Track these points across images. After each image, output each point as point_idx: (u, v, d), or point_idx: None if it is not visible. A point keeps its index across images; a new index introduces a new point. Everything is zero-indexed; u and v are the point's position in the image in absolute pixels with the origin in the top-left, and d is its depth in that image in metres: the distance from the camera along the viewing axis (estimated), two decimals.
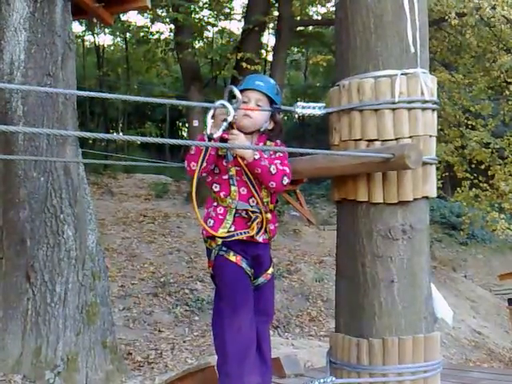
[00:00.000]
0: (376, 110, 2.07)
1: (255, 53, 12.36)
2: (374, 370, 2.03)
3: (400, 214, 2.08)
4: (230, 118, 2.02)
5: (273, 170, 2.17)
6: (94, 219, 4.87)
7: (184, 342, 6.34)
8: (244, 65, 11.64)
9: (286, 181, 2.21)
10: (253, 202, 2.22)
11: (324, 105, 2.25)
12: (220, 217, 2.20)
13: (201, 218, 2.21)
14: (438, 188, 10.83)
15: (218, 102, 2.00)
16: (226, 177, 2.23)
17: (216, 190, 2.25)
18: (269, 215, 2.26)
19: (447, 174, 12.21)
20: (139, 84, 21.41)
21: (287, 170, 2.22)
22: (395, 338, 2.02)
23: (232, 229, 2.20)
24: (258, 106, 2.26)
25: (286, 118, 12.94)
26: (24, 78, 4.50)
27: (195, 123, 14.18)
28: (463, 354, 8.18)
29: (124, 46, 21.28)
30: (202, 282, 8.48)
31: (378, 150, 1.99)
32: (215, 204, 2.25)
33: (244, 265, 2.22)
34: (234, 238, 2.19)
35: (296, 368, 3.01)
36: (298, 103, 2.24)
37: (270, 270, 2.33)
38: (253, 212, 2.21)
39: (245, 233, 2.20)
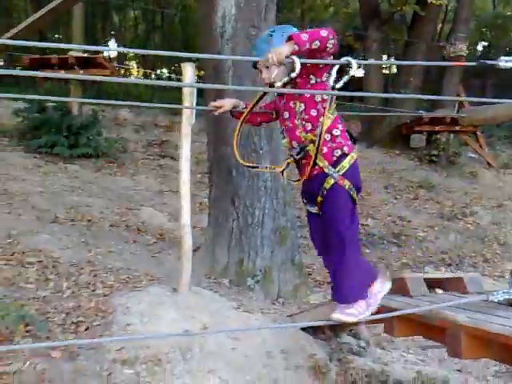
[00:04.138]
0: None
1: None
2: None
3: None
4: (352, 72, 2.35)
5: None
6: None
7: None
8: (429, 0, 11.18)
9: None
10: (295, 144, 2.56)
11: None
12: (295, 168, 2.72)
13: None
14: None
15: (344, 59, 2.33)
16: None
17: None
18: (310, 146, 2.49)
19: None
20: (311, 21, 21.39)
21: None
22: None
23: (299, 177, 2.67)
24: (267, 67, 2.50)
25: (466, 53, 12.21)
26: (233, 31, 5.17)
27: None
28: None
29: None
30: (373, 219, 8.91)
31: None
32: None
33: (308, 206, 2.67)
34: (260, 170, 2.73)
35: (478, 287, 3.31)
36: (502, 57, 2.34)
37: (319, 199, 2.55)
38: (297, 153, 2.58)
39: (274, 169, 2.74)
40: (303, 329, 4.14)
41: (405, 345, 4.59)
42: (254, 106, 2.69)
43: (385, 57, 18.19)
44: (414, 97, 13.40)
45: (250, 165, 2.55)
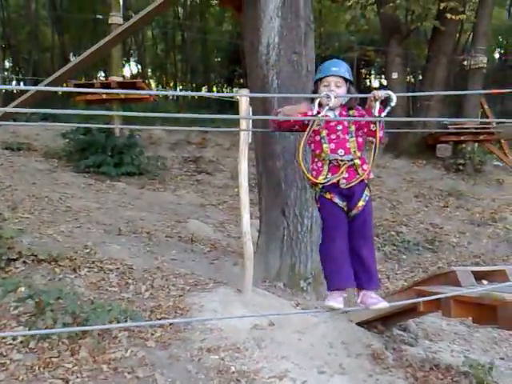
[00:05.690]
0: None
1: (459, 1, 12.17)
2: None
3: None
4: (392, 104, 2.75)
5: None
6: None
7: (396, 274, 7.33)
8: (448, 15, 11.64)
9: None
10: (341, 152, 2.90)
11: None
12: (320, 169, 2.93)
13: (307, 171, 2.94)
14: None
15: (384, 92, 2.77)
16: (318, 138, 2.95)
17: (312, 148, 3.00)
18: (357, 160, 2.90)
19: None
20: (328, 35, 21.76)
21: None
22: None
23: (329, 175, 2.90)
24: (338, 86, 2.90)
25: (486, 60, 12.67)
26: (277, 57, 5.69)
27: (394, 75, 14.62)
28: None
29: None
30: (406, 226, 9.30)
31: None
32: (316, 160, 2.98)
33: (336, 200, 2.90)
34: (329, 183, 2.87)
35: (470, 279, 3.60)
36: None
37: (361, 203, 2.89)
38: (341, 160, 2.88)
39: (336, 177, 2.86)
40: (359, 324, 4.58)
41: (450, 337, 4.99)
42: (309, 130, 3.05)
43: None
44: (437, 120, 13.93)
45: (322, 182, 2.91)
